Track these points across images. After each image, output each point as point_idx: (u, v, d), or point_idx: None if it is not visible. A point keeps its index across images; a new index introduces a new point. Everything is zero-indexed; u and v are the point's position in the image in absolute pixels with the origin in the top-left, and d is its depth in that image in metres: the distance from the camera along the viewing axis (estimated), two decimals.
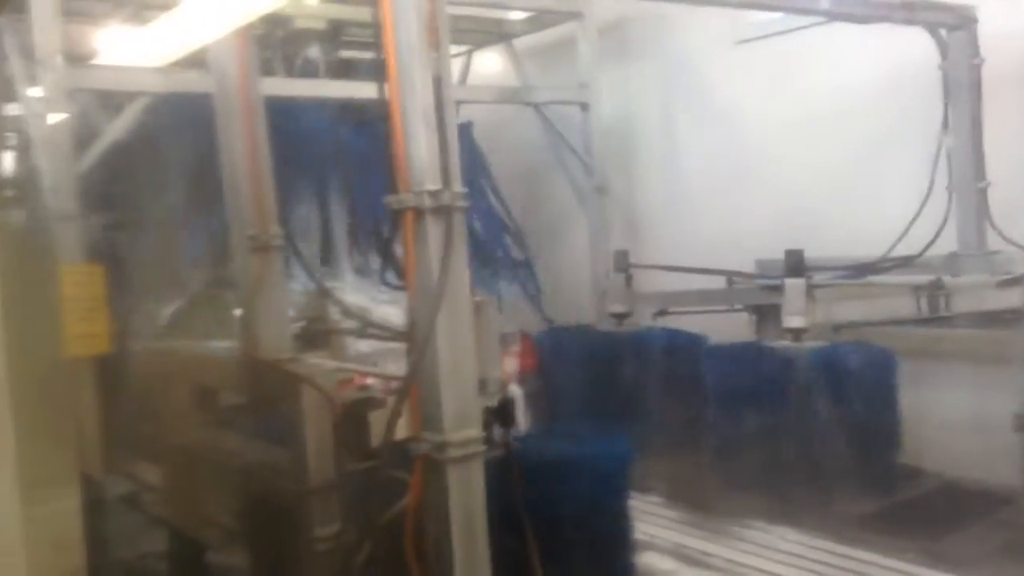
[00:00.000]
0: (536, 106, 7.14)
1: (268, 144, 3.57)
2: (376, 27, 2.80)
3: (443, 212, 2.80)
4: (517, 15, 7.38)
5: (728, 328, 5.82)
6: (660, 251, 7.13)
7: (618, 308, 6.17)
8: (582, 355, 6.18)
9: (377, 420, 3.49)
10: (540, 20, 7.31)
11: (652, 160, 7.62)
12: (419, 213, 2.80)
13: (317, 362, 3.69)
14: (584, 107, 7.16)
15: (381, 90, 2.82)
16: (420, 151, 2.78)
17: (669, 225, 7.46)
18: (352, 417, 3.49)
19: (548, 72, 7.63)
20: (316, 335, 4.08)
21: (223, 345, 4.31)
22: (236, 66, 3.50)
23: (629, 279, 6.16)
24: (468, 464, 2.92)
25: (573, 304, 7.28)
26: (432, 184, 2.79)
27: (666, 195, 7.53)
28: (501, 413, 3.06)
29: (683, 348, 5.88)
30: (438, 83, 2.75)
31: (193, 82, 4.60)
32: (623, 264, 6.22)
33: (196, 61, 4.20)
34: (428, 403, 2.92)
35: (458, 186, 2.82)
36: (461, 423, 2.90)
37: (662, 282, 6.51)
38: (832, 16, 5.33)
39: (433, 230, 2.80)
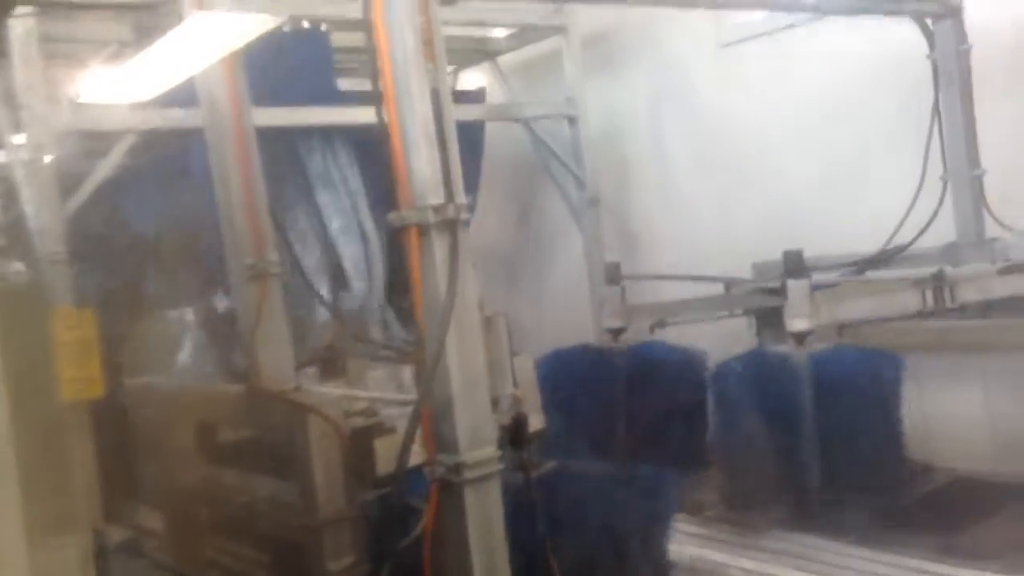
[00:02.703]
0: (524, 122, 7.10)
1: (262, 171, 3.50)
2: (370, 43, 2.74)
3: (447, 226, 2.75)
4: (500, 32, 7.35)
5: (728, 335, 5.76)
6: (656, 261, 7.09)
7: (614, 323, 6.03)
8: (578, 376, 6.06)
9: (383, 447, 3.41)
10: (524, 36, 7.29)
11: (643, 169, 7.59)
12: (423, 229, 2.74)
13: (322, 390, 3.61)
14: (572, 120, 7.14)
15: (378, 106, 2.76)
16: (421, 165, 2.73)
17: (664, 234, 7.41)
18: (358, 445, 3.42)
19: (534, 87, 7.61)
20: (334, 361, 4.02)
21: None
22: (226, 94, 3.43)
23: (623, 292, 6.06)
24: (485, 485, 2.85)
25: (573, 323, 7.20)
26: (435, 199, 2.73)
27: (659, 204, 7.48)
28: (514, 432, 2.99)
29: (679, 361, 5.80)
30: (436, 96, 2.70)
31: (180, 118, 4.54)
32: (615, 276, 6.09)
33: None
34: (441, 424, 2.84)
35: (461, 198, 2.77)
36: (476, 443, 2.84)
37: (660, 293, 6.45)
38: (820, 10, 5.32)
39: (438, 245, 2.74)
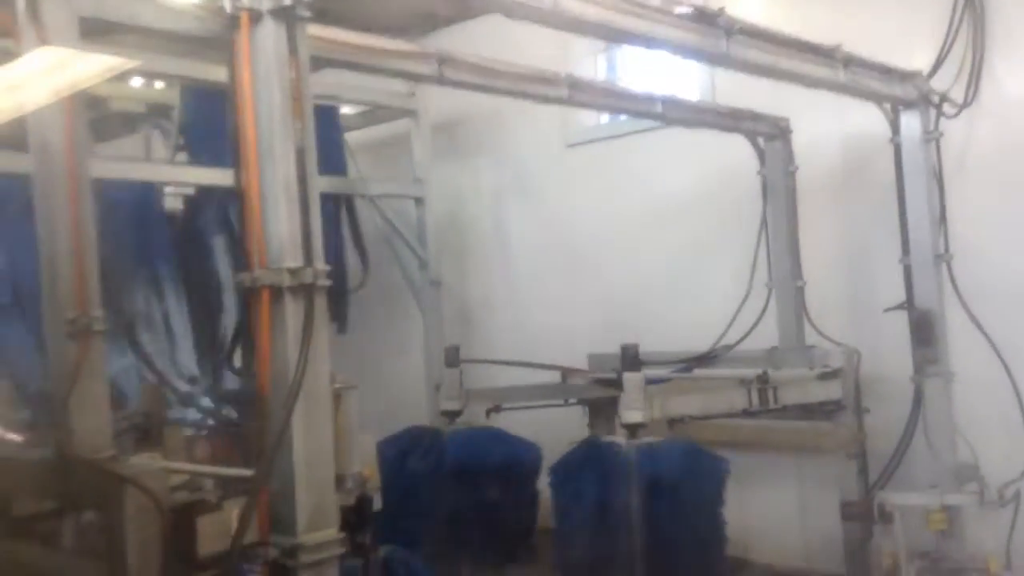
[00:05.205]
0: (371, 198, 7.03)
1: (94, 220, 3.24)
2: (232, 96, 2.63)
3: (304, 291, 2.62)
4: (350, 109, 7.30)
5: (561, 422, 5.79)
6: (493, 346, 7.08)
7: (451, 405, 5.96)
8: (413, 458, 5.90)
9: (207, 525, 3.14)
10: (374, 115, 7.28)
11: (486, 255, 7.67)
12: (276, 292, 2.60)
13: (142, 461, 3.31)
14: (419, 201, 7.14)
15: (236, 160, 2.62)
16: (280, 225, 2.60)
17: (502, 320, 7.47)
18: (180, 523, 3.13)
19: (383, 165, 7.58)
20: (149, 430, 3.69)
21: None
22: (62, 138, 3.17)
23: (460, 375, 6.00)
24: (323, 570, 2.68)
25: (406, 402, 7.06)
26: (292, 261, 2.60)
27: (500, 290, 7.56)
28: (358, 512, 2.83)
29: (513, 450, 5.77)
30: (301, 154, 2.59)
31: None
32: (455, 359, 6.03)
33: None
34: (280, 503, 2.66)
35: (321, 264, 2.64)
36: (316, 524, 2.67)
37: (495, 378, 6.43)
38: (664, 119, 5.57)
39: (292, 310, 2.60)
